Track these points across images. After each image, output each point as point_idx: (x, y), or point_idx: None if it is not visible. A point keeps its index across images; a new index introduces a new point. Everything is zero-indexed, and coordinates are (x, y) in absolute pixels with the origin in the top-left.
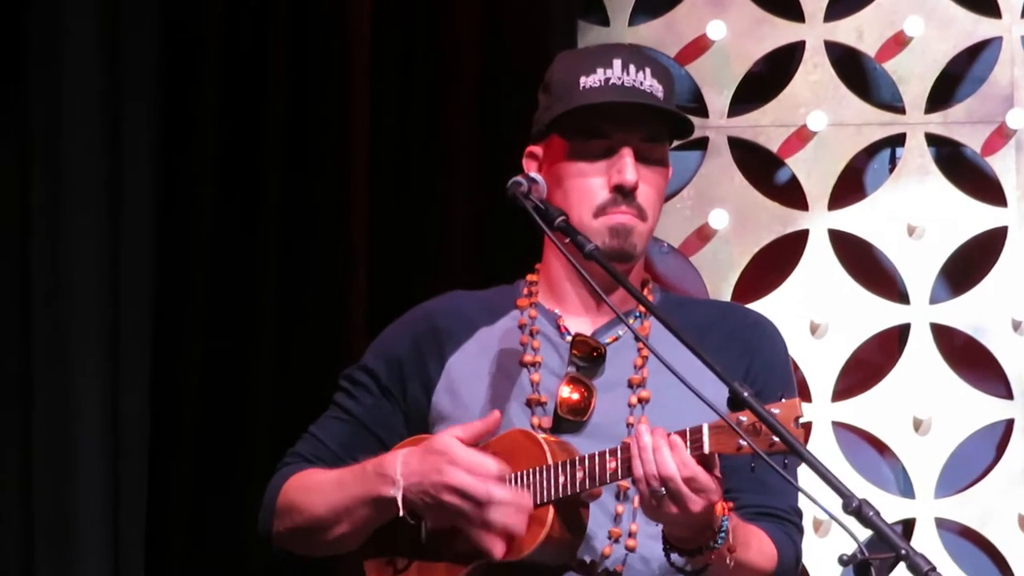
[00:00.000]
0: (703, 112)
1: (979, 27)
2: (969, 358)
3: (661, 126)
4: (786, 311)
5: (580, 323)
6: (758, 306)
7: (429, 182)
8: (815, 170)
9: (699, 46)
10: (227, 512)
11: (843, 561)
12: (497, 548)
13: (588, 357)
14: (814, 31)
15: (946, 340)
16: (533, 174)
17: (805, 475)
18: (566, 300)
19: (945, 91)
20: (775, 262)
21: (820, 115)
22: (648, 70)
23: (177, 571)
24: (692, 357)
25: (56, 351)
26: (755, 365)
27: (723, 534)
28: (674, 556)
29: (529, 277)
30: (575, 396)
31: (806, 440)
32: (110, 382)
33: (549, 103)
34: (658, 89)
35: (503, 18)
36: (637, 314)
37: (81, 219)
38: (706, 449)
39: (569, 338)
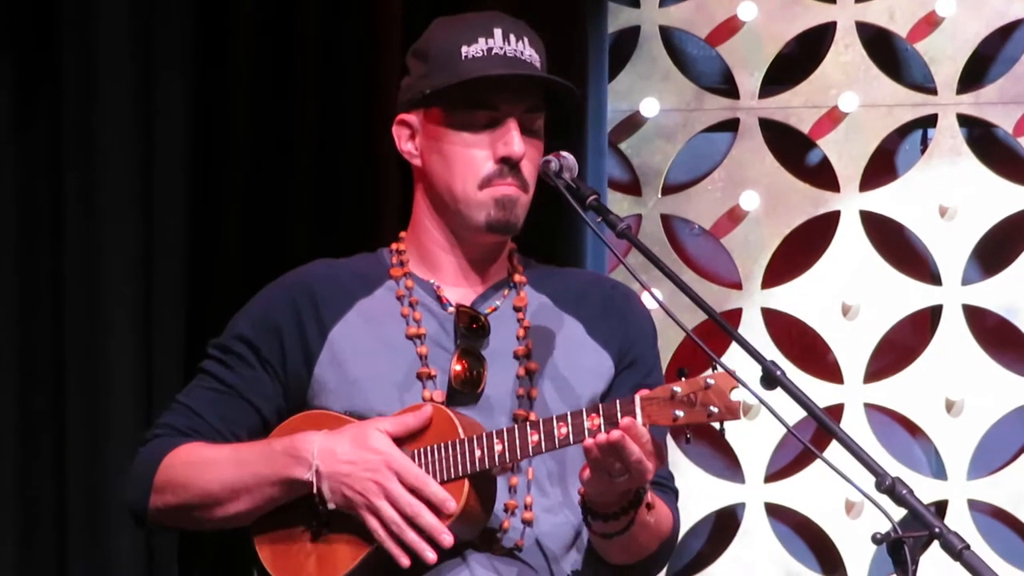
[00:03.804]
0: (734, 93)
1: (1011, 7)
2: (1001, 339)
3: (540, 97)
4: (818, 293)
5: (458, 293)
6: (790, 288)
7: None
8: (846, 151)
9: (730, 27)
10: None
11: (877, 539)
12: (403, 560)
13: (473, 329)
14: (845, 12)
15: (978, 321)
16: (564, 153)
17: (837, 454)
18: (441, 270)
19: (977, 72)
20: (806, 244)
21: (851, 96)
22: (526, 39)
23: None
24: (570, 327)
25: (88, 312)
26: (630, 333)
27: (644, 489)
28: (596, 524)
29: (394, 246)
30: (467, 369)
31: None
32: (143, 345)
33: (427, 71)
34: (536, 59)
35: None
36: (512, 284)
37: (114, 162)
38: (639, 421)
39: (451, 309)
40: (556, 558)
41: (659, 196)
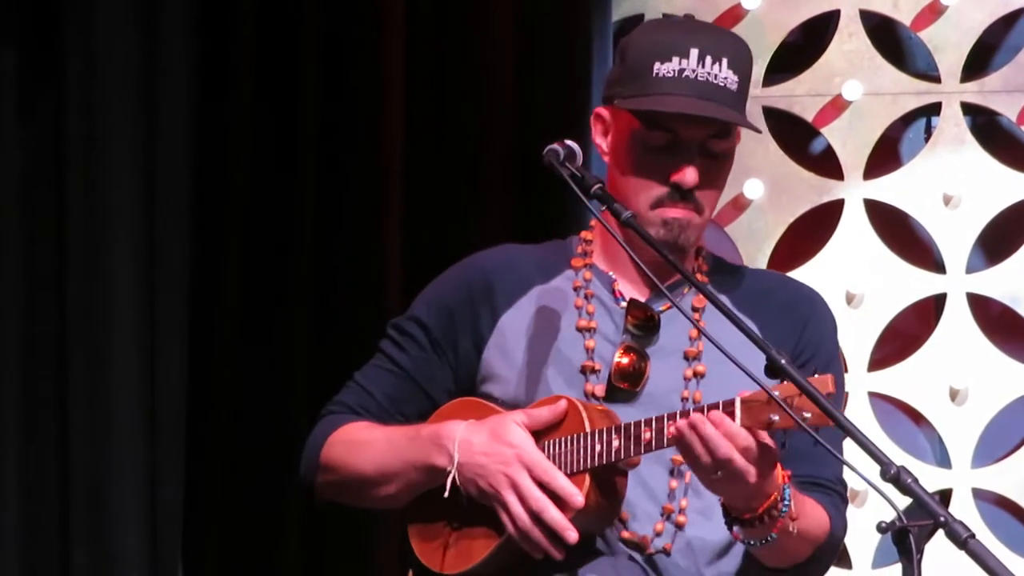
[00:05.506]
0: None
1: None
2: (1005, 327)
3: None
4: (822, 281)
5: (634, 289)
6: (794, 276)
7: (464, 151)
8: (850, 140)
9: (734, 16)
10: (264, 450)
11: (882, 528)
12: (535, 554)
13: (643, 324)
14: (849, 0)
15: (982, 309)
16: (569, 142)
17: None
18: (620, 264)
19: (981, 60)
20: (810, 232)
21: (855, 84)
22: (725, 60)
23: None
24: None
25: (92, 302)
26: (804, 338)
27: (786, 502)
28: (736, 528)
29: (584, 235)
30: (630, 364)
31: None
32: (147, 331)
33: (620, 75)
34: (732, 81)
35: None
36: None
37: (117, 152)
38: (738, 422)
39: (624, 304)
40: (706, 562)
41: None
